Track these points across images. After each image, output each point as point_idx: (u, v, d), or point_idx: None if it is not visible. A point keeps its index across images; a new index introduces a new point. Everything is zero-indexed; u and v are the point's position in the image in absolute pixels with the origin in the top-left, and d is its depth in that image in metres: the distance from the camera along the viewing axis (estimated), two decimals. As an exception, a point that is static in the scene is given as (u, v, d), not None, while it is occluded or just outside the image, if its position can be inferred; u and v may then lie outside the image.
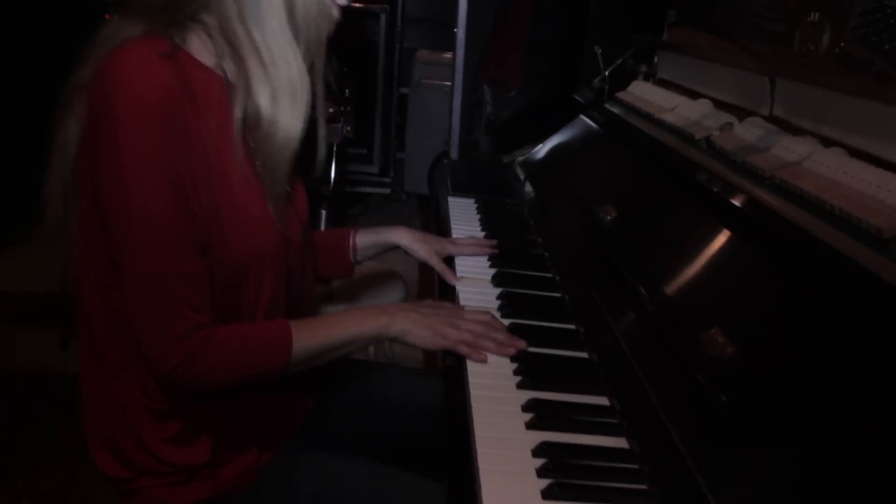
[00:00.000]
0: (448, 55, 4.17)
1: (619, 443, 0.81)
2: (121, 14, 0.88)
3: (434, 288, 1.37)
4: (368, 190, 4.13)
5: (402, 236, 1.28)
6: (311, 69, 0.92)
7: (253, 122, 0.89)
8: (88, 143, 0.85)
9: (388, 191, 4.19)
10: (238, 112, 0.88)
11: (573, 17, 1.87)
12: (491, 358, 0.97)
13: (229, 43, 0.88)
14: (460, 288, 1.18)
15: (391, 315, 0.99)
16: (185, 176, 0.84)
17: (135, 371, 0.92)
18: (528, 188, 1.70)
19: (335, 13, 0.94)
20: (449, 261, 1.29)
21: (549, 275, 1.26)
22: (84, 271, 0.92)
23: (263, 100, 0.88)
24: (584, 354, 1.00)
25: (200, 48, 0.90)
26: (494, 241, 1.34)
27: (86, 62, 0.86)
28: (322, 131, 1.00)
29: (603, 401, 0.89)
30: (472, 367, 0.95)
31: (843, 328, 0.73)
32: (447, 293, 1.25)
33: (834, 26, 1.05)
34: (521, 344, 0.99)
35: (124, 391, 0.93)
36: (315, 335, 0.95)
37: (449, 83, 3.84)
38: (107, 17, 0.89)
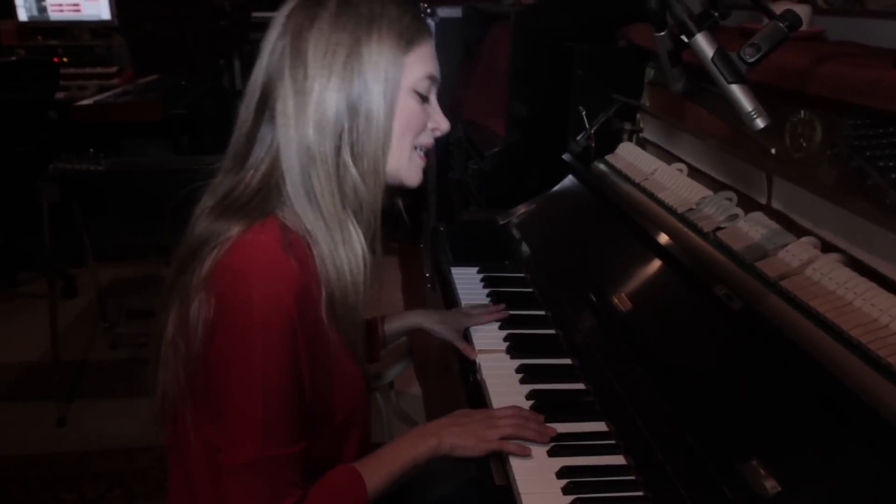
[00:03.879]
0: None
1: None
2: (210, 214, 0.90)
3: (454, 361, 1.44)
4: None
5: (424, 319, 1.42)
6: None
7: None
8: (208, 334, 0.86)
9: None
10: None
11: (557, 76, 1.92)
12: (535, 471, 1.03)
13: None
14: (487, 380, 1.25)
15: (437, 435, 1.07)
16: (303, 357, 0.88)
17: None
18: (525, 248, 1.76)
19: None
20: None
21: (569, 361, 1.32)
22: (189, 431, 0.94)
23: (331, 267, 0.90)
24: (622, 459, 1.07)
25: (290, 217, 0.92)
26: (503, 305, 1.47)
27: (197, 261, 0.87)
28: None
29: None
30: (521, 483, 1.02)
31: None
32: (466, 363, 1.35)
33: (825, 129, 1.12)
34: (553, 431, 1.09)
35: None
36: (381, 472, 1.01)
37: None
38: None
